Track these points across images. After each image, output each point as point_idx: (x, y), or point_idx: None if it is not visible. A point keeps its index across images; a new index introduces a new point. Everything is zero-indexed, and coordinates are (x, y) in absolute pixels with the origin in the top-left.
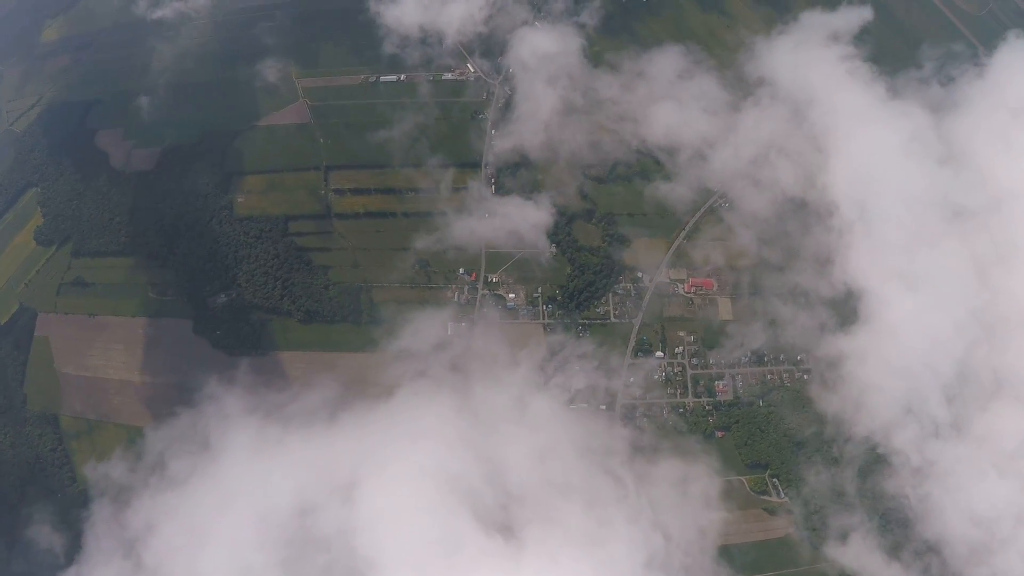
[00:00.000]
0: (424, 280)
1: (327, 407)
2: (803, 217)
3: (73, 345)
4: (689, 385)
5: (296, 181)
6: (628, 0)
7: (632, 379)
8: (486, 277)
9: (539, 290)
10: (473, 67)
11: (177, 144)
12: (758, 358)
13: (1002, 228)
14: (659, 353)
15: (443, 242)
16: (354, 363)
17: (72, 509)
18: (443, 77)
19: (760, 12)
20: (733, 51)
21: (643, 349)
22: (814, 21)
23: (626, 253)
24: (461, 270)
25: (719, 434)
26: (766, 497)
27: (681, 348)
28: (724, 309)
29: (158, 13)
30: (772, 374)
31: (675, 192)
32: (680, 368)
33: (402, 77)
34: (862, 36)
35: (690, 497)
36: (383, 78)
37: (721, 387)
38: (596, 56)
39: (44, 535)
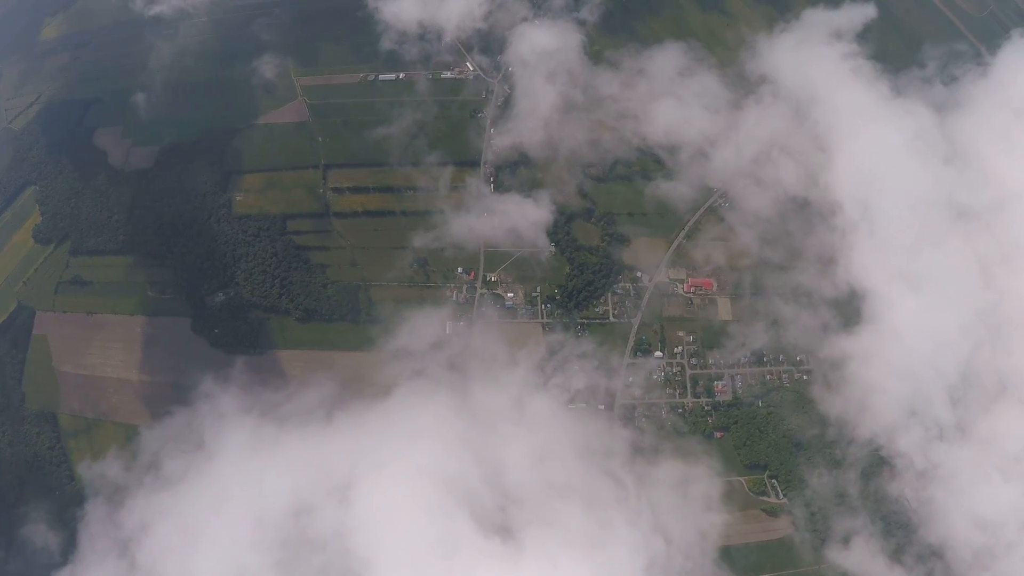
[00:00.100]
0: (422, 279)
1: (325, 406)
2: (806, 216)
3: (71, 343)
4: (688, 385)
5: (294, 179)
6: None
7: (631, 379)
8: (485, 276)
9: (538, 289)
10: (472, 65)
11: (176, 142)
12: (757, 358)
13: (1007, 228)
14: (658, 353)
15: (441, 241)
16: (352, 362)
17: (70, 508)
18: (442, 75)
19: (760, 11)
20: (734, 49)
21: (642, 349)
22: (816, 19)
23: (625, 252)
24: (459, 269)
25: (718, 435)
26: (765, 498)
27: (680, 348)
28: (723, 309)
29: (156, 9)
30: (771, 374)
31: (676, 191)
32: (679, 368)
33: (401, 75)
34: (863, 37)
35: (689, 498)
36: (382, 76)
37: (720, 387)
38: (596, 53)
39: (42, 534)
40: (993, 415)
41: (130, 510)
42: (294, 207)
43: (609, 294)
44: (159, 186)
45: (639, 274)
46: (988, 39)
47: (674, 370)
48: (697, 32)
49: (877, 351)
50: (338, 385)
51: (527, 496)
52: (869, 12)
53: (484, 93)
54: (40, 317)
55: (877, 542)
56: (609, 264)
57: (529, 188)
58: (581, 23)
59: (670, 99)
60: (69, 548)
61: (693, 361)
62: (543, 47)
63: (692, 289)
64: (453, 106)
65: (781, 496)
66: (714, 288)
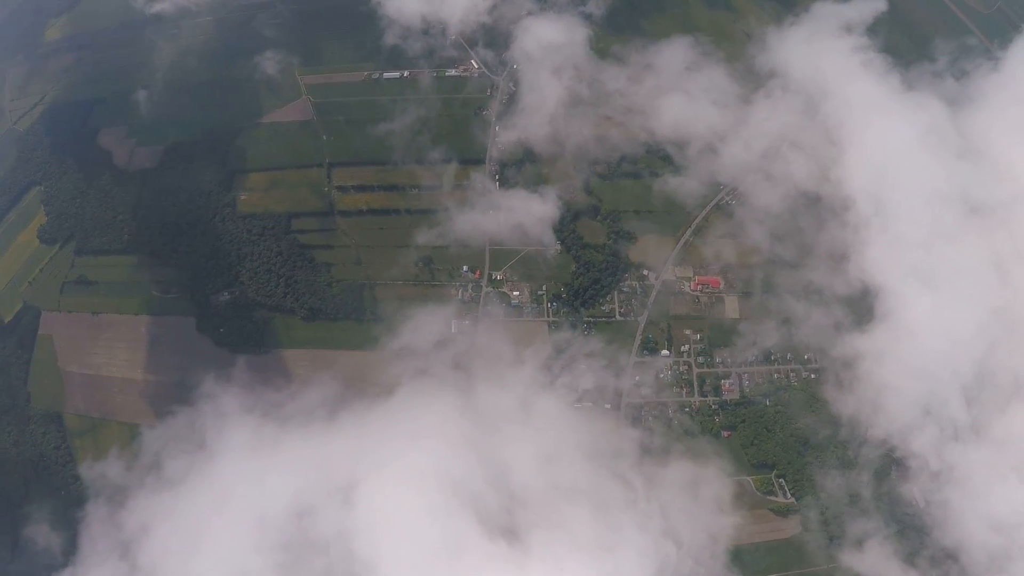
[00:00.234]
0: (428, 277)
1: (329, 406)
2: (817, 212)
3: (76, 343)
4: (695, 384)
5: (299, 178)
6: None
7: (637, 378)
8: (490, 274)
9: (543, 288)
10: (477, 63)
11: (180, 142)
12: (765, 357)
13: (1023, 224)
14: (665, 352)
15: (446, 239)
16: (357, 361)
17: (75, 507)
18: (446, 73)
19: (767, 8)
20: (742, 43)
21: (649, 348)
22: (826, 12)
23: (632, 250)
24: (465, 267)
25: (725, 434)
26: (772, 497)
27: (687, 347)
28: (731, 307)
29: (157, 7)
30: (779, 373)
31: (683, 187)
32: (686, 367)
33: (405, 73)
34: (870, 33)
35: (698, 499)
36: (386, 75)
37: (727, 386)
38: (602, 49)
39: (45, 534)
40: (1009, 415)
41: (132, 510)
42: (298, 206)
43: (615, 292)
44: (163, 186)
45: (646, 272)
46: (996, 36)
47: (681, 369)
48: (704, 29)
49: (891, 350)
50: (343, 384)
51: (533, 497)
52: (879, 5)
53: (489, 90)
54: (45, 317)
55: (888, 543)
56: (615, 262)
57: (535, 185)
58: (587, 17)
59: (678, 94)
60: (75, 548)
61: (700, 360)
62: (548, 41)
63: (699, 287)
64: (457, 103)
65: (789, 496)
66: (721, 286)
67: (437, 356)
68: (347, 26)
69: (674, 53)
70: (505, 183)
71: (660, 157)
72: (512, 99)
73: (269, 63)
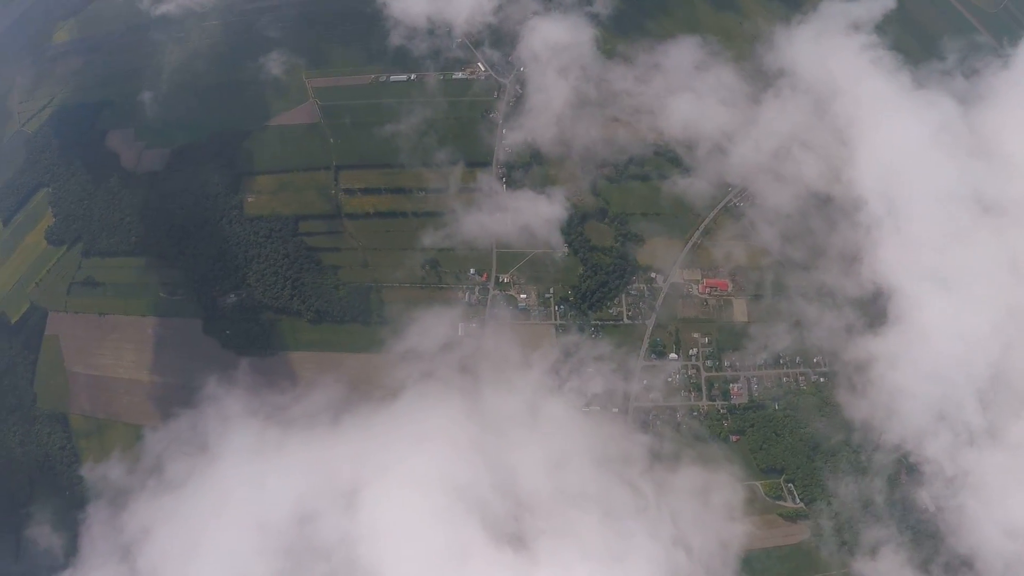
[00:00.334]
0: (434, 280)
1: (336, 408)
2: (828, 213)
3: (83, 344)
4: (703, 388)
5: (306, 181)
6: None
7: (645, 382)
8: (497, 277)
9: (551, 290)
10: (483, 65)
11: (187, 145)
12: (774, 360)
13: None
14: (673, 355)
15: (453, 241)
16: (363, 364)
17: (80, 508)
18: (453, 76)
19: (773, 9)
20: (751, 43)
21: (657, 351)
22: (834, 10)
23: (640, 253)
24: (472, 270)
25: (734, 438)
26: (781, 503)
27: (695, 350)
28: (739, 310)
29: (163, 8)
30: (788, 376)
31: (692, 188)
32: (694, 370)
33: (412, 76)
34: (879, 32)
35: (706, 504)
36: (393, 77)
37: (736, 390)
38: (609, 49)
39: (48, 534)
40: None
41: (134, 513)
42: (306, 208)
43: (623, 295)
44: (171, 188)
45: (654, 275)
46: (1003, 35)
47: (689, 372)
48: (710, 30)
49: (904, 353)
50: (348, 387)
51: (540, 504)
52: (888, 3)
53: (495, 92)
54: (52, 318)
55: (900, 548)
56: (623, 265)
57: (542, 186)
58: (593, 17)
59: (686, 94)
60: (78, 549)
61: (708, 363)
62: (555, 41)
63: (707, 290)
64: (464, 106)
65: (798, 500)
66: (729, 289)
67: (443, 359)
68: (353, 29)
69: (682, 53)
70: (512, 185)
71: (668, 158)
72: (519, 101)
73: (276, 66)
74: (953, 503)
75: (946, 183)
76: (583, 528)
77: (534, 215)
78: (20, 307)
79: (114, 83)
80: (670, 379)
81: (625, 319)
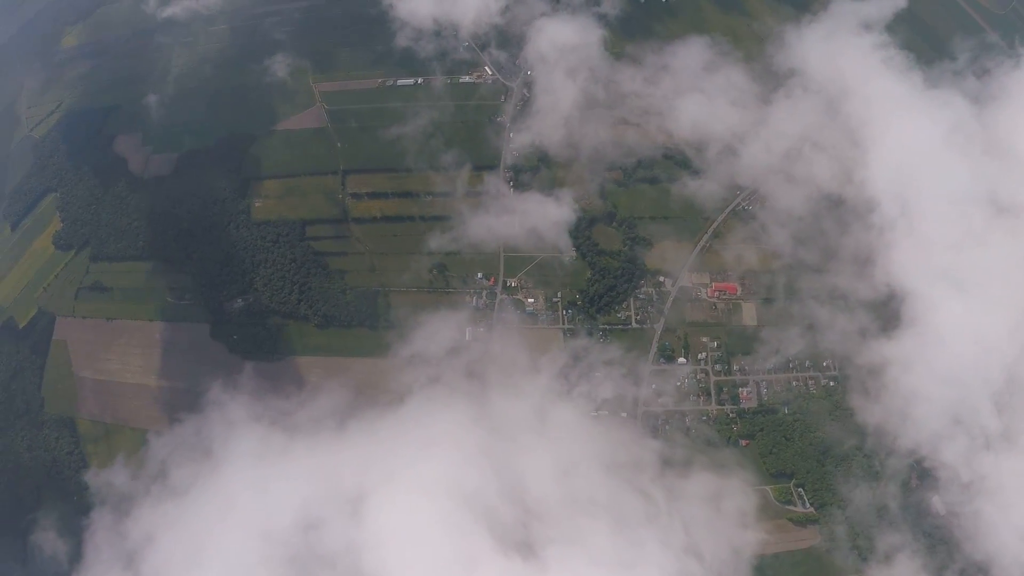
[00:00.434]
0: (442, 284)
1: (343, 413)
2: (840, 215)
3: (91, 349)
4: (712, 392)
5: (313, 185)
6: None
7: (654, 386)
8: (504, 281)
9: (558, 294)
10: (490, 68)
11: (195, 149)
12: (783, 364)
13: None
14: (681, 359)
15: (460, 244)
16: (370, 368)
17: (86, 514)
18: (460, 80)
19: (780, 11)
20: (760, 43)
21: (665, 355)
22: (844, 9)
23: (648, 256)
24: (479, 274)
25: (743, 443)
26: (791, 507)
27: (704, 354)
28: (748, 314)
29: (169, 11)
30: (798, 380)
31: (702, 190)
32: (703, 375)
33: (419, 80)
34: (889, 32)
35: (718, 510)
36: (400, 81)
37: (745, 394)
38: (617, 50)
39: (53, 540)
40: None
41: (138, 519)
42: (313, 213)
43: (631, 299)
44: (178, 192)
45: (662, 278)
46: (1013, 35)
47: (698, 377)
48: (719, 31)
49: (918, 356)
50: (355, 392)
51: (549, 511)
52: (899, 2)
53: (503, 95)
54: (60, 323)
55: (915, 554)
56: (631, 268)
57: (550, 189)
58: (601, 18)
59: (695, 95)
60: (84, 555)
61: (717, 367)
62: (562, 43)
63: (716, 294)
64: (471, 109)
65: (808, 505)
66: (738, 292)
67: (450, 364)
68: (360, 32)
69: (691, 53)
70: (519, 188)
71: (677, 160)
72: (526, 104)
73: (282, 70)
74: (969, 508)
75: (960, 183)
76: (593, 535)
77: (542, 218)
78: (28, 312)
79: (122, 88)
80: (679, 383)
81: (633, 323)
